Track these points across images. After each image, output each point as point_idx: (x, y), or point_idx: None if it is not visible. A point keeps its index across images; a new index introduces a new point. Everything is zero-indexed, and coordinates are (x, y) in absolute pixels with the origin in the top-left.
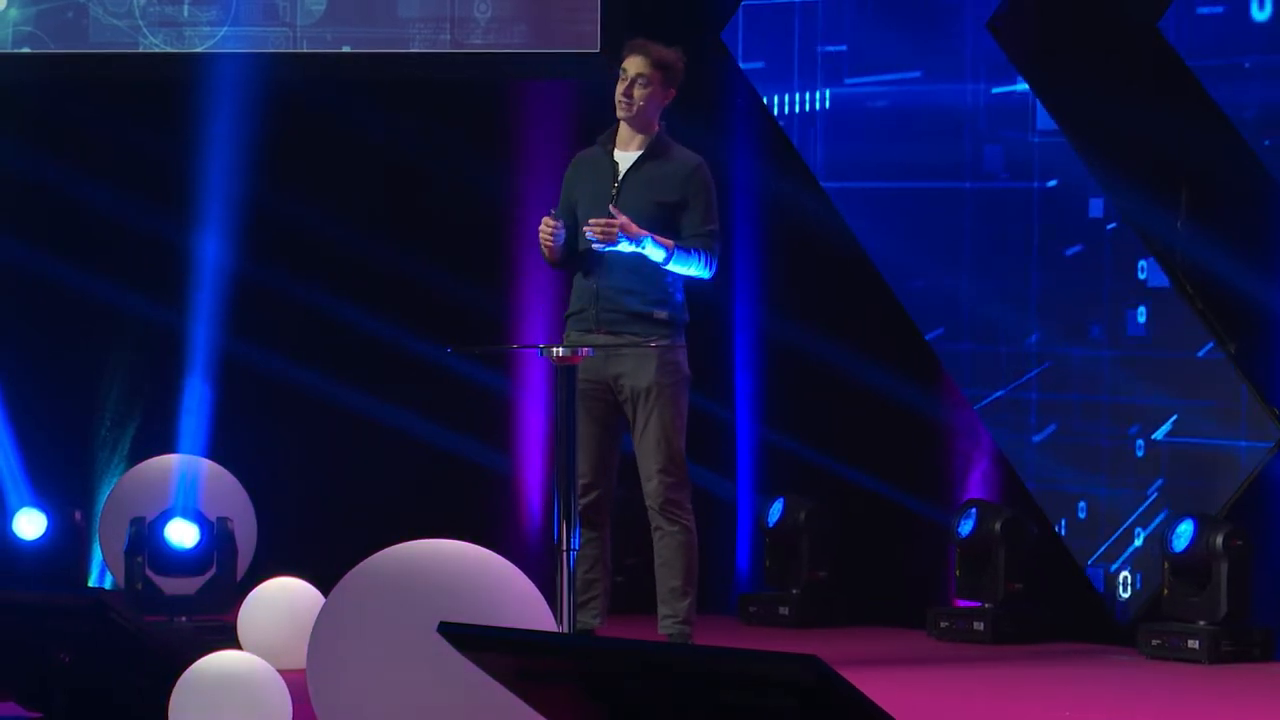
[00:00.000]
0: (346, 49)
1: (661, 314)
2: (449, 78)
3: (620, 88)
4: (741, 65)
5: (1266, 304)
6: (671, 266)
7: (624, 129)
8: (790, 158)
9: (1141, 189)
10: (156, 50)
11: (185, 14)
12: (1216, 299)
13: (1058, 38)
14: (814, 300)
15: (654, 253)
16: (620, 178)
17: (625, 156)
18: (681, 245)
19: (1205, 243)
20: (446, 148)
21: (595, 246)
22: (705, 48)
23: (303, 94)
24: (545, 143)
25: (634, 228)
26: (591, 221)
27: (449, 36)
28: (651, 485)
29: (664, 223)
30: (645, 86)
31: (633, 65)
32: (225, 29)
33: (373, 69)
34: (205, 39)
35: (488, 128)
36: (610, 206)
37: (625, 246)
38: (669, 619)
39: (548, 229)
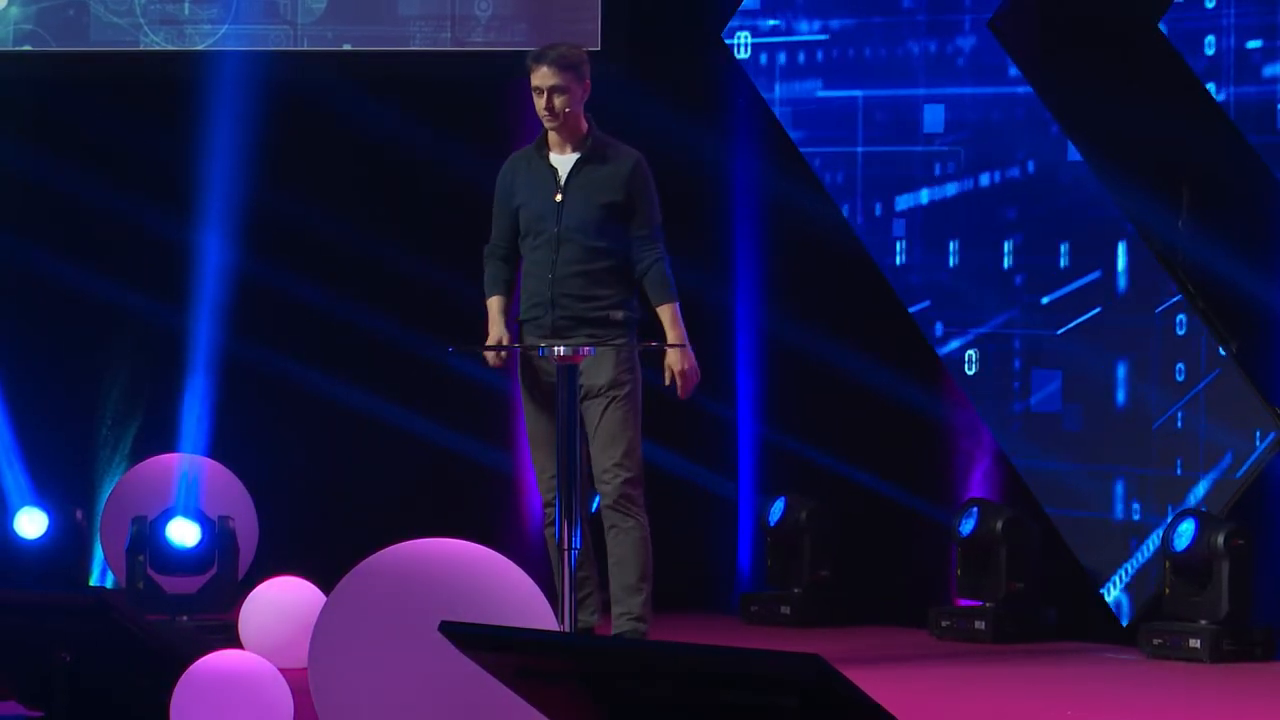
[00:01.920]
0: (347, 47)
1: (618, 315)
2: (450, 76)
3: (540, 103)
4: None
5: (1267, 303)
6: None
7: (554, 135)
8: (792, 157)
9: (1142, 188)
10: (157, 48)
11: (186, 12)
12: (1217, 298)
13: (1058, 37)
14: (815, 300)
15: (681, 323)
16: (563, 183)
17: (563, 160)
18: (660, 288)
19: (1206, 242)
20: (447, 146)
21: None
22: (706, 46)
23: (303, 92)
24: None
25: (686, 362)
26: (680, 395)
27: (450, 35)
28: (606, 481)
29: (610, 223)
30: (563, 94)
31: (543, 79)
32: (226, 27)
33: (373, 67)
34: (206, 37)
35: (488, 126)
36: (670, 378)
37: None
38: (624, 616)
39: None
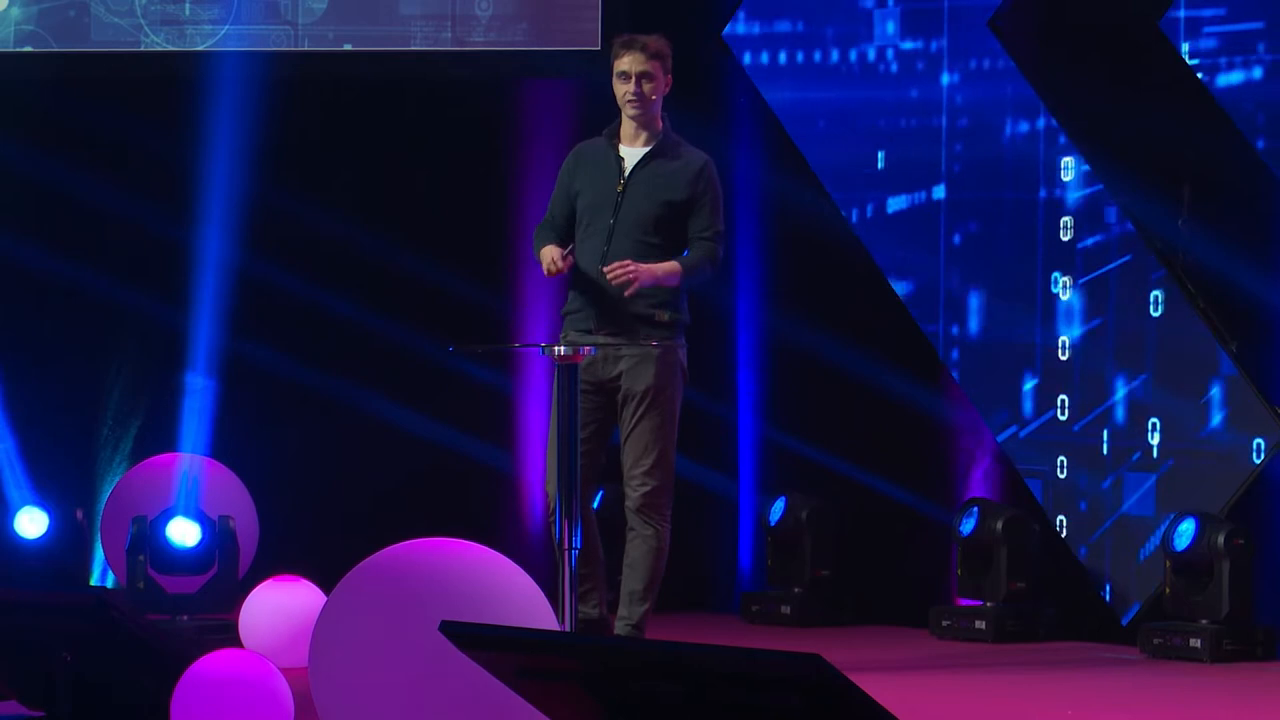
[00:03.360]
0: (348, 47)
1: (664, 315)
2: (450, 76)
3: (627, 89)
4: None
5: (1267, 302)
6: (686, 285)
7: (629, 125)
8: (793, 156)
9: (1143, 187)
10: (158, 49)
11: (187, 12)
12: (1218, 297)
13: (1059, 36)
14: (816, 298)
15: (668, 281)
16: (627, 175)
17: (631, 153)
18: (689, 262)
19: (1207, 241)
20: (447, 146)
21: (616, 283)
22: (707, 46)
23: (304, 92)
24: (547, 141)
25: (650, 273)
26: (611, 268)
27: (450, 35)
28: (633, 487)
29: (670, 221)
30: (650, 81)
31: (633, 64)
32: (227, 27)
33: (374, 67)
34: (207, 37)
35: (489, 126)
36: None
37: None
38: (622, 621)
39: (556, 266)
